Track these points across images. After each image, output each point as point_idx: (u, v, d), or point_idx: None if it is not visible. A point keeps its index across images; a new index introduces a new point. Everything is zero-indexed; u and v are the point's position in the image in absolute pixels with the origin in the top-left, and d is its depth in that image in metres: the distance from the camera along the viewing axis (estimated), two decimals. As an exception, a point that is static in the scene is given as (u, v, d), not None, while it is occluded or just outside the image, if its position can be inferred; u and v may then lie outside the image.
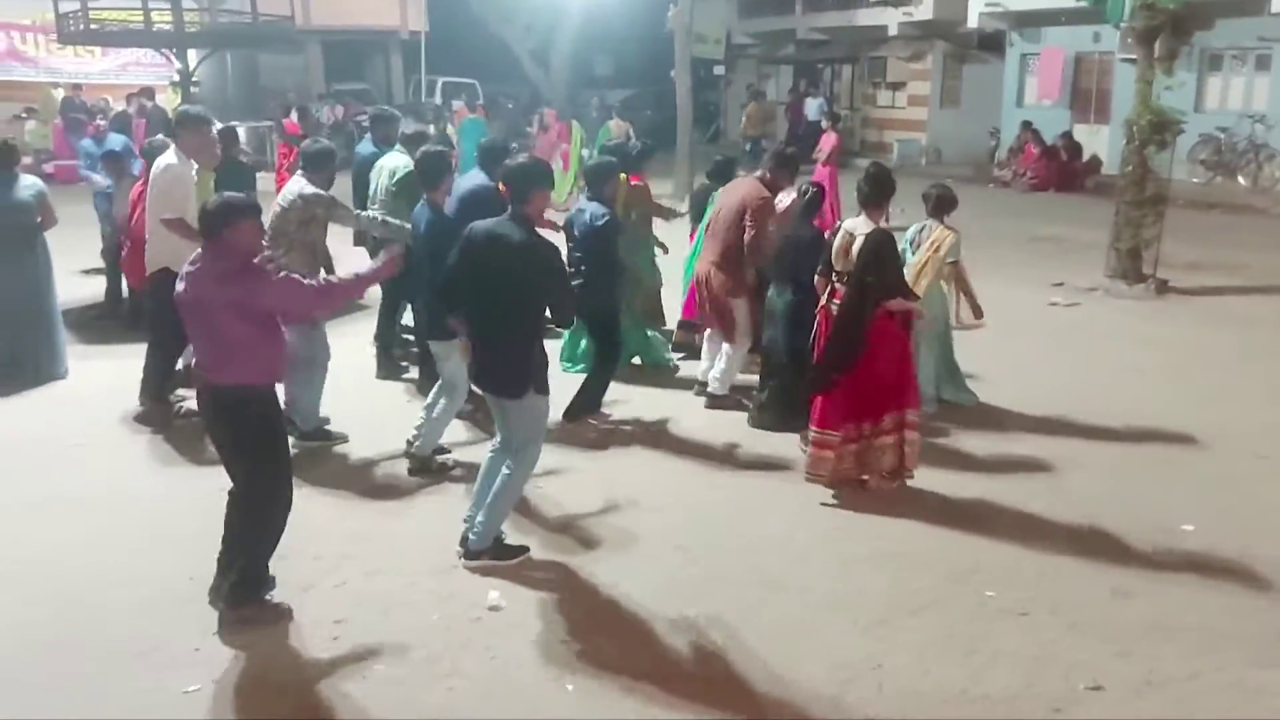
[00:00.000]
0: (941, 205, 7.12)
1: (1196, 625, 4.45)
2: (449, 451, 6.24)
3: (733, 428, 6.78)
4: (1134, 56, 11.48)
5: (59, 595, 4.64)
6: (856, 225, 5.81)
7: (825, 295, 5.94)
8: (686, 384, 7.60)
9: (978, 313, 7.19)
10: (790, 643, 4.31)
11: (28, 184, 7.83)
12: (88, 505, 5.37)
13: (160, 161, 6.85)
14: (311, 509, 5.56)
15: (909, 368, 5.91)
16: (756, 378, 7.10)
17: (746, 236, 6.80)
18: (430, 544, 5.15)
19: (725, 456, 6.34)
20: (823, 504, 5.66)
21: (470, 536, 4.95)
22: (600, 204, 6.73)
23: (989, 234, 14.69)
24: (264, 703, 3.92)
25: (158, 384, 7.03)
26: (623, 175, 7.49)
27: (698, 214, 8.12)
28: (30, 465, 6.12)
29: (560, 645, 4.30)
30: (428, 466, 6.03)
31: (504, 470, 4.95)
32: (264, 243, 4.90)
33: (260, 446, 4.41)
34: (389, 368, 7.86)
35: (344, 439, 6.53)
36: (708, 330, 7.49)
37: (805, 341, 6.30)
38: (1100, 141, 20.29)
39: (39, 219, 7.77)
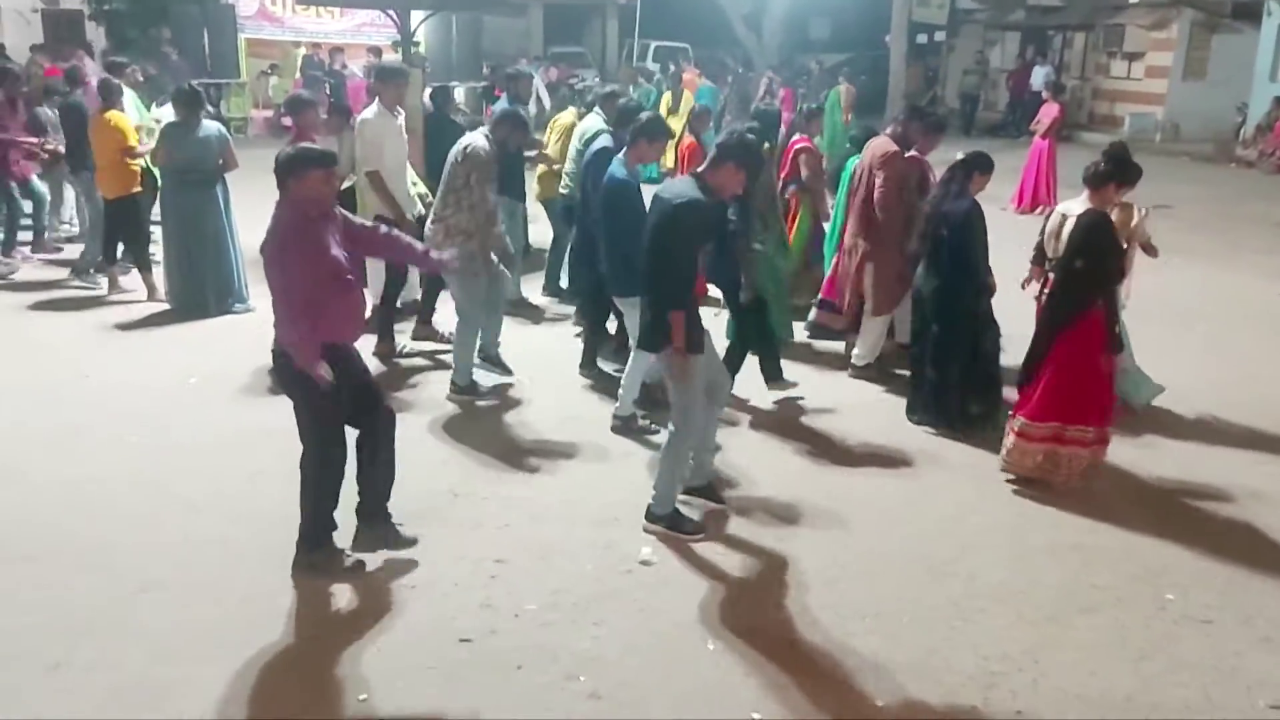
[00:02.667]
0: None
1: None
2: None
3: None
4: None
5: (259, 515, 4.99)
6: (1070, 207, 5.43)
7: (1040, 286, 5.59)
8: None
9: None
10: (945, 630, 4.16)
11: (212, 129, 8.38)
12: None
13: (361, 115, 7.20)
14: (485, 453, 5.80)
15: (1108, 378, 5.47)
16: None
17: (876, 193, 6.54)
18: (596, 497, 5.25)
19: (901, 439, 6.13)
20: (1013, 488, 5.43)
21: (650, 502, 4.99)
22: None
23: (1226, 216, 13.65)
24: (421, 631, 4.11)
25: (382, 321, 7.37)
26: (767, 144, 7.21)
27: (834, 185, 7.79)
28: (228, 398, 6.61)
29: (706, 606, 4.30)
30: (629, 426, 6.09)
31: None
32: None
33: (301, 406, 4.36)
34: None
35: (488, 394, 6.63)
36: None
37: (957, 333, 5.95)
38: (1368, 120, 18.32)
39: (220, 161, 8.30)
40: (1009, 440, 5.45)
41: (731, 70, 21.43)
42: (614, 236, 5.83)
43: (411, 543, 4.65)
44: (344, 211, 4.56)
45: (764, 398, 6.57)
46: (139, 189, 8.75)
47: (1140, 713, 3.67)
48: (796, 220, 8.07)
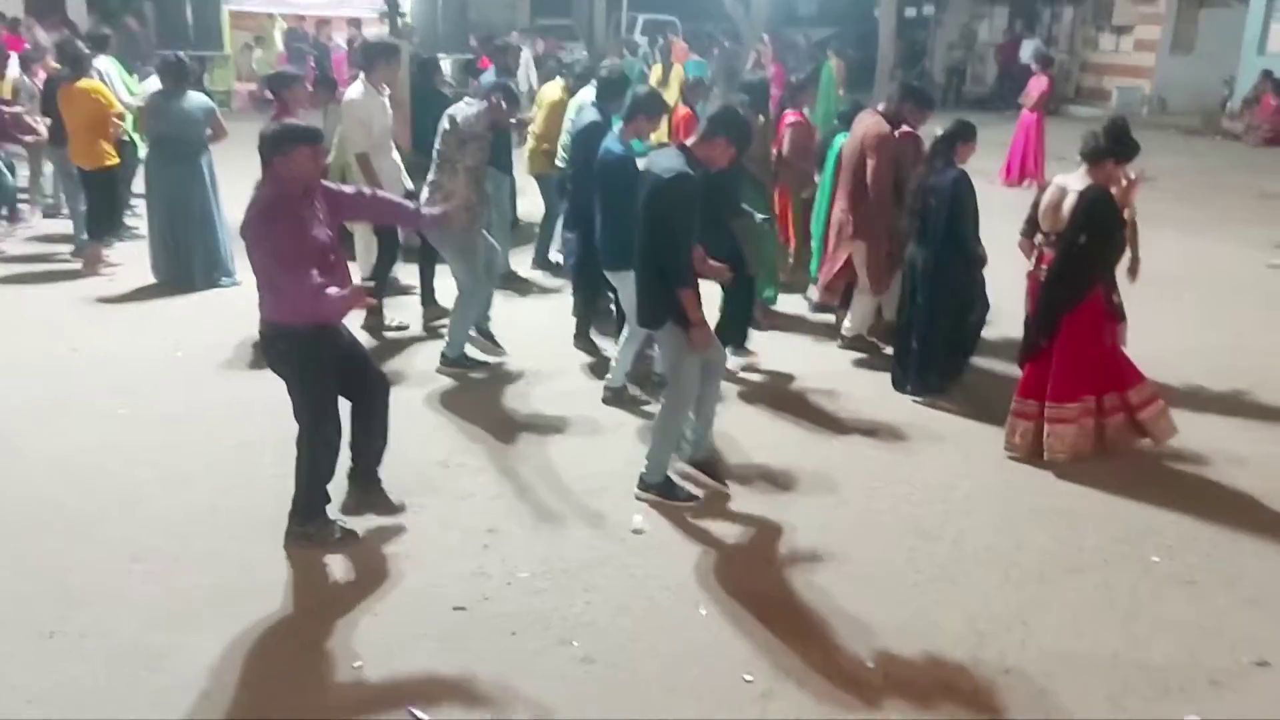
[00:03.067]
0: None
1: (1394, 613, 4.07)
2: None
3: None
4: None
5: (250, 485, 4.99)
6: (1070, 181, 5.40)
7: (1034, 260, 5.58)
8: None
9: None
10: (934, 592, 4.20)
11: (197, 100, 8.31)
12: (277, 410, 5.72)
13: (347, 94, 7.13)
14: (476, 424, 5.81)
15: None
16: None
17: (869, 176, 6.53)
18: (587, 467, 5.26)
19: (889, 408, 6.16)
20: (1011, 458, 5.46)
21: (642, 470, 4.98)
22: None
23: (1212, 187, 13.71)
24: (414, 599, 4.12)
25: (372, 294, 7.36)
26: (761, 116, 7.17)
27: (820, 163, 7.69)
28: (216, 370, 6.59)
29: (697, 571, 4.33)
30: (620, 397, 6.10)
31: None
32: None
33: (293, 384, 4.34)
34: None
35: (480, 367, 6.59)
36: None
37: (945, 305, 5.99)
38: (1353, 92, 18.34)
39: (209, 132, 8.24)
40: (1046, 428, 5.36)
41: (718, 43, 21.29)
42: (610, 211, 5.80)
43: (399, 509, 4.65)
44: (325, 183, 4.48)
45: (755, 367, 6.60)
46: (114, 160, 8.64)
47: (1126, 671, 3.71)
48: (791, 196, 8.05)
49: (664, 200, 4.56)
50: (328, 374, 4.36)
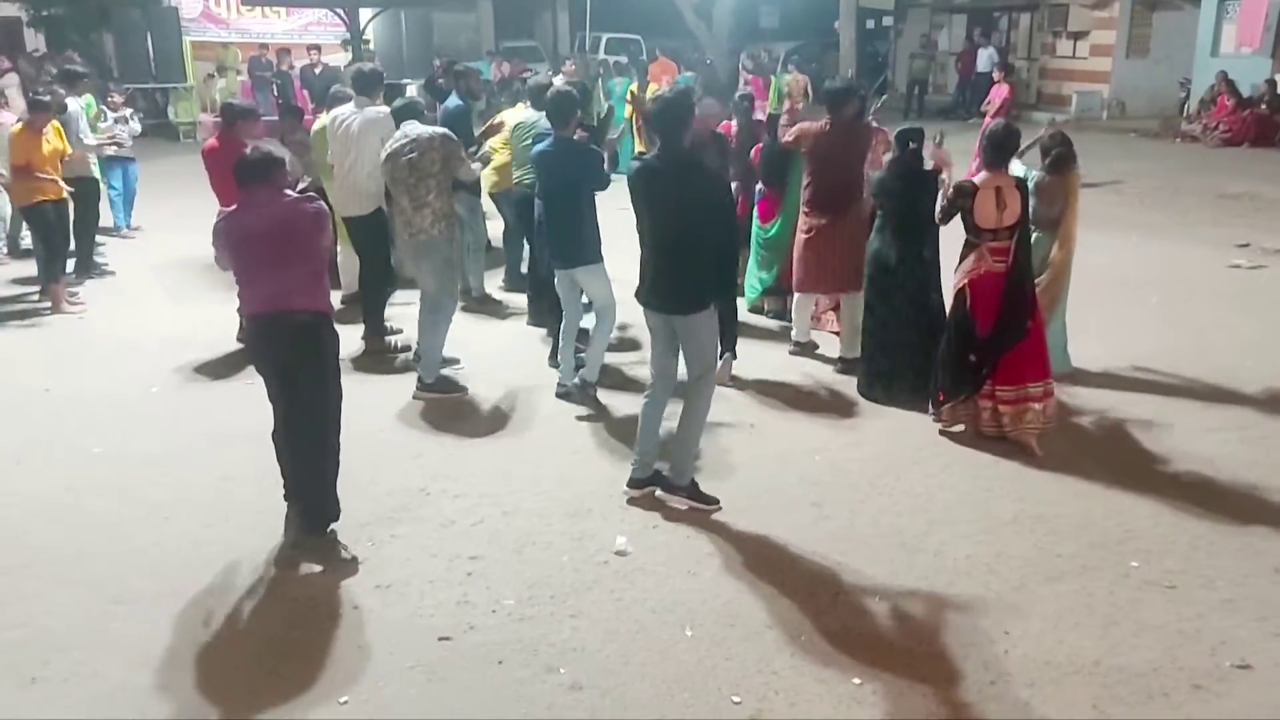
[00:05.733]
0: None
1: (1367, 610, 4.14)
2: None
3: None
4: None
5: (229, 520, 4.97)
6: (997, 180, 5.52)
7: (972, 260, 5.63)
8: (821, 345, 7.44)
9: None
10: (918, 604, 4.24)
11: None
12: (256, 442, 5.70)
13: (374, 112, 7.11)
14: (455, 448, 5.80)
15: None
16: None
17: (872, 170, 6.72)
18: (569, 489, 5.27)
19: (870, 414, 6.21)
20: (983, 463, 5.51)
21: (665, 473, 5.12)
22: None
23: (1172, 189, 13.89)
24: (399, 631, 4.11)
25: (379, 320, 7.45)
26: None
27: (778, 176, 7.46)
28: (192, 405, 6.58)
29: (683, 592, 4.34)
30: (584, 392, 6.31)
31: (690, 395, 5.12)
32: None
33: (322, 375, 4.56)
34: (539, 315, 7.82)
35: (463, 390, 6.59)
36: (798, 295, 7.20)
37: (915, 305, 6.09)
38: (1306, 92, 18.66)
39: None
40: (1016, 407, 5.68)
41: (701, 60, 21.67)
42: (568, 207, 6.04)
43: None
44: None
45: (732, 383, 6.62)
46: (45, 197, 8.46)
47: (1108, 676, 3.75)
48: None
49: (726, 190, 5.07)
50: None
